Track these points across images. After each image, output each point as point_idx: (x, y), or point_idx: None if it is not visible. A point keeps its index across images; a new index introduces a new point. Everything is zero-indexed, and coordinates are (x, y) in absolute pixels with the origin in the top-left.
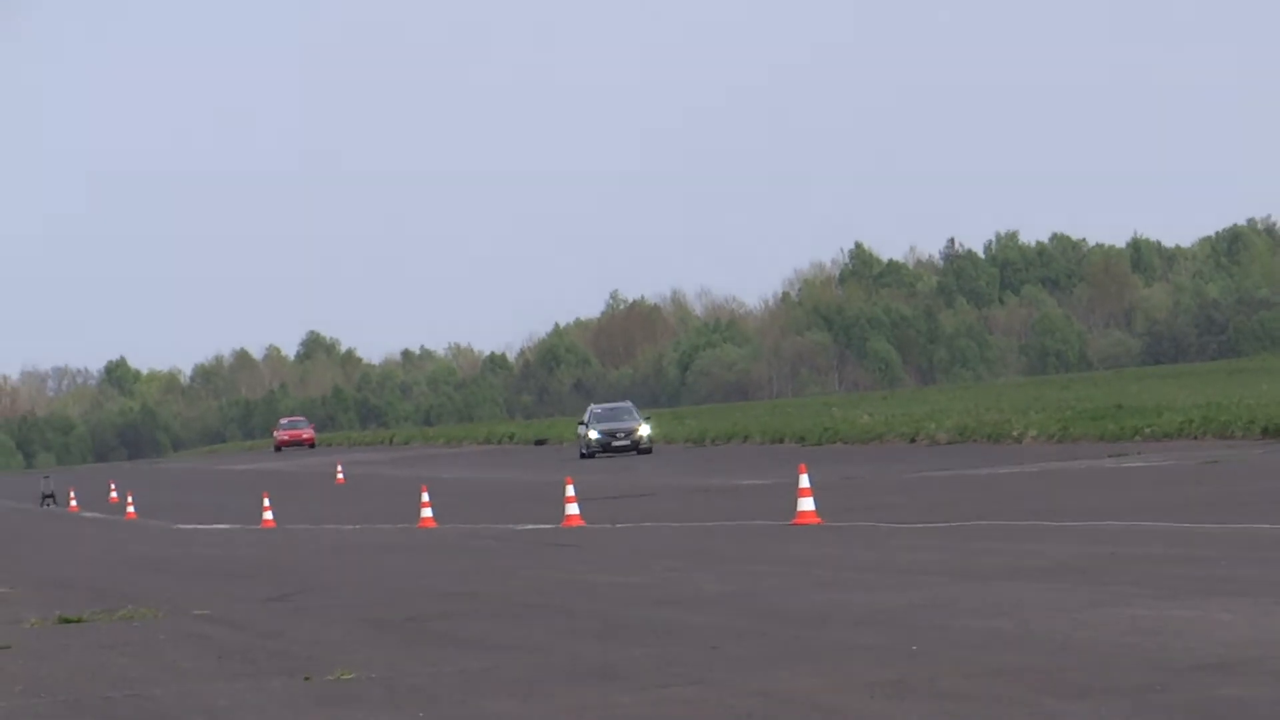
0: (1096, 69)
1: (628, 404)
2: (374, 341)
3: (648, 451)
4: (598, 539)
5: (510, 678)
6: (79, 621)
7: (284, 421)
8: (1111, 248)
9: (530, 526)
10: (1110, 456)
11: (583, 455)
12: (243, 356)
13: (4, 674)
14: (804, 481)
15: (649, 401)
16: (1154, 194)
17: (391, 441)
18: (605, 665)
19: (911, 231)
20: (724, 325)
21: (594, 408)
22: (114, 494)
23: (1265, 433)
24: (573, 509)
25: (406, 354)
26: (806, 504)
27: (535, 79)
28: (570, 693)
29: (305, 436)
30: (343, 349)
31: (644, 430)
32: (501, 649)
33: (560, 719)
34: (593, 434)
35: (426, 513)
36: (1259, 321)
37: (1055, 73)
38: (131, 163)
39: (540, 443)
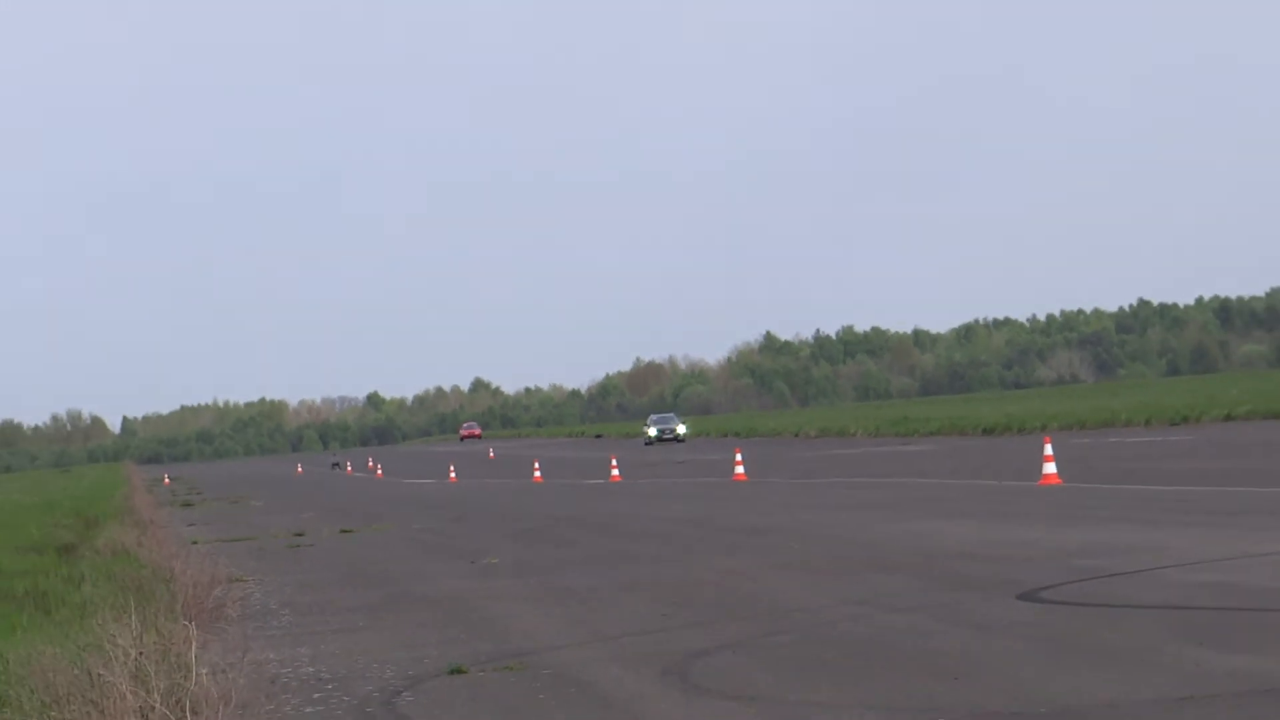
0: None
1: (672, 414)
2: (510, 379)
3: (682, 441)
4: (630, 489)
5: (578, 561)
6: (350, 531)
7: (465, 424)
8: (903, 334)
9: (594, 481)
10: (901, 443)
11: (646, 444)
12: (439, 391)
13: (312, 557)
14: (739, 459)
15: None
16: (919, 293)
17: (520, 436)
18: (629, 553)
19: (797, 323)
20: (696, 374)
21: (653, 415)
22: (371, 463)
23: (985, 432)
24: (615, 471)
25: (527, 389)
26: (740, 470)
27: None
28: (610, 569)
29: (476, 433)
30: (492, 384)
31: (681, 429)
32: (576, 546)
33: (601, 582)
34: (651, 431)
35: (537, 473)
36: (983, 376)
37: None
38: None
39: (598, 436)
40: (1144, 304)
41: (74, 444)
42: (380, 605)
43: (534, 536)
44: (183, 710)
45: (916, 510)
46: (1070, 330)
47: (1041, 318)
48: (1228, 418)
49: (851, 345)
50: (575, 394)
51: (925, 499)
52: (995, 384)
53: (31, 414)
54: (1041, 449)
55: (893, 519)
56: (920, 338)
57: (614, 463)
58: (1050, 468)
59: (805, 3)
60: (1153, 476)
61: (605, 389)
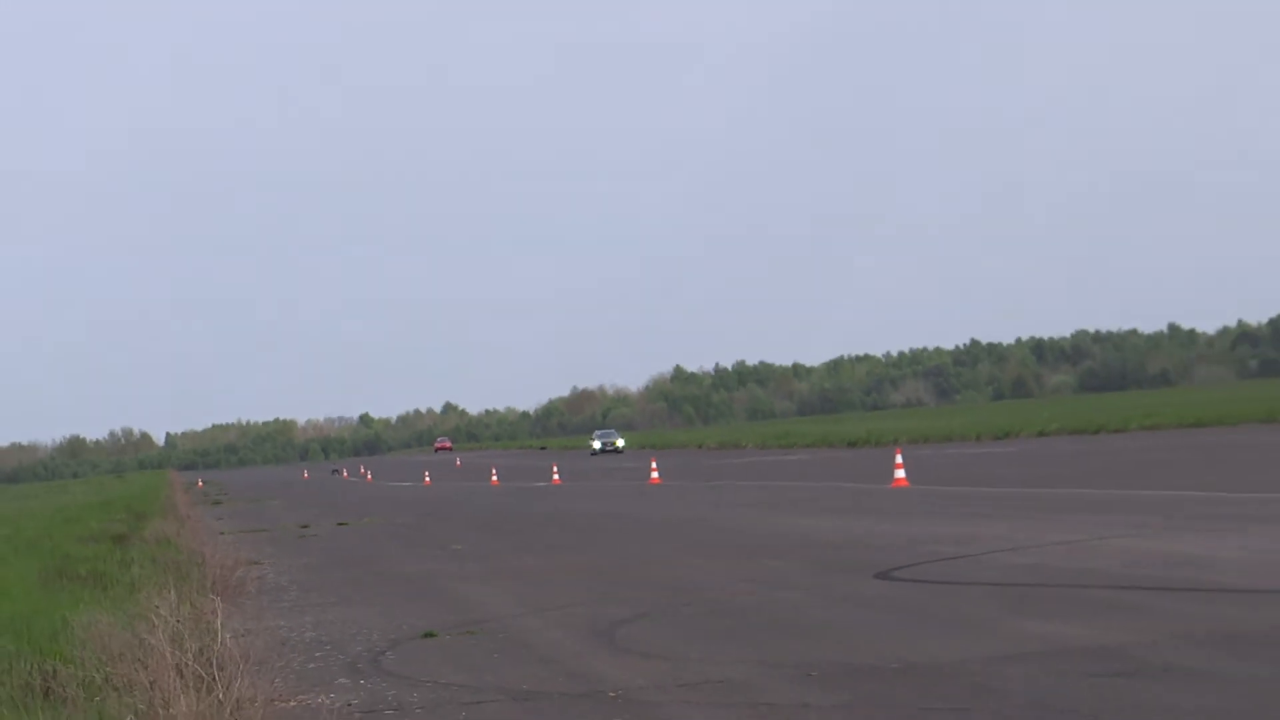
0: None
1: (613, 430)
2: (474, 402)
3: (621, 452)
4: (568, 490)
5: (526, 547)
6: (345, 525)
7: (438, 439)
8: (784, 366)
9: (539, 484)
10: (783, 453)
11: (592, 454)
12: (417, 412)
13: (315, 545)
14: (654, 466)
15: None
16: (797, 333)
17: (482, 448)
18: (566, 542)
19: (701, 357)
20: (621, 399)
21: (597, 431)
22: (363, 470)
23: (850, 444)
24: (556, 476)
25: (487, 410)
26: (655, 475)
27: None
28: (552, 554)
29: (448, 445)
30: (459, 407)
31: (620, 442)
32: (524, 535)
33: (545, 564)
34: (596, 444)
35: (494, 477)
36: (847, 400)
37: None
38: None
39: (543, 448)
40: (975, 343)
41: (127, 455)
42: (368, 583)
43: (491, 528)
44: (211, 667)
45: (795, 507)
46: (917, 364)
47: (894, 354)
48: (1040, 434)
49: (743, 375)
50: (525, 414)
51: (802, 498)
52: (857, 406)
53: (93, 430)
54: (893, 458)
55: (776, 514)
56: (798, 369)
57: (555, 469)
58: (900, 473)
59: (726, 61)
60: (981, 480)
61: (549, 410)
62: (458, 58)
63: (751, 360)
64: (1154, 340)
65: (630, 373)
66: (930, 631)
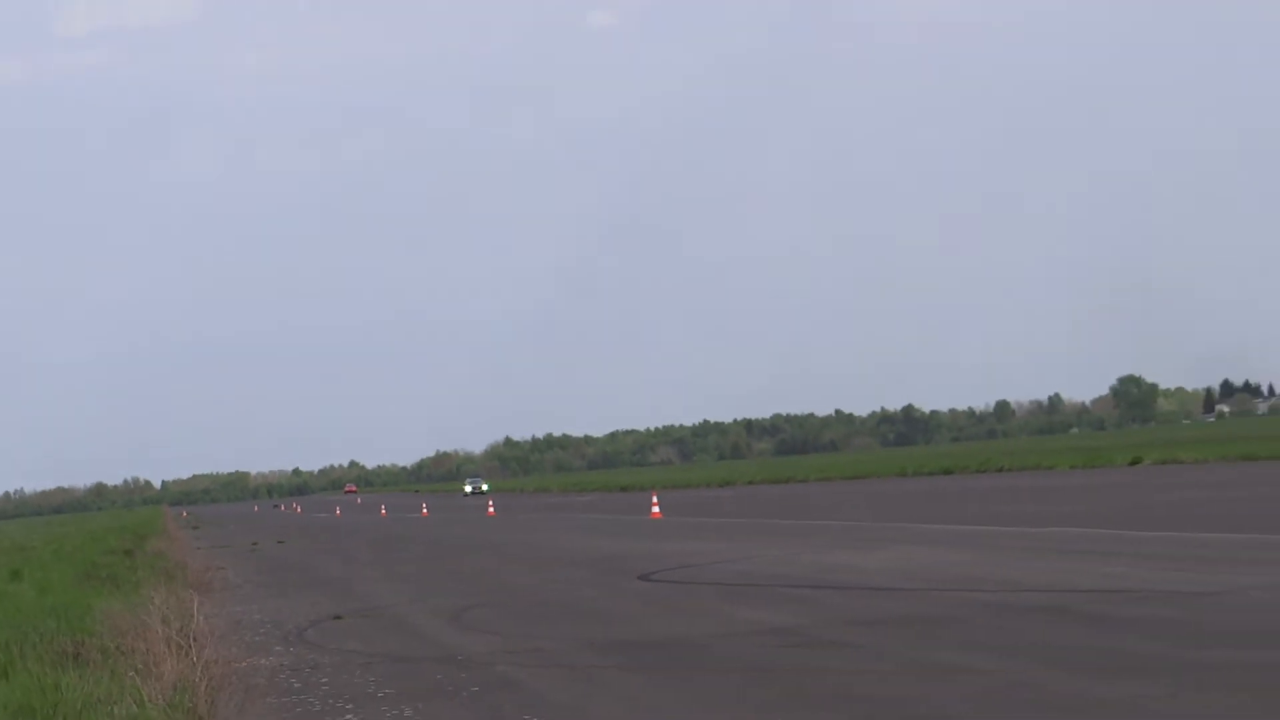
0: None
1: (480, 476)
2: (370, 458)
3: (486, 494)
4: (432, 520)
5: (405, 559)
6: (283, 543)
7: (347, 485)
8: (578, 436)
9: (413, 515)
10: (578, 495)
11: (464, 495)
12: (332, 465)
13: (261, 556)
14: (490, 507)
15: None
16: (586, 411)
17: (376, 490)
18: (431, 554)
19: (524, 429)
20: (468, 459)
21: (469, 477)
22: (295, 506)
23: (622, 488)
24: (424, 510)
25: (379, 465)
26: (491, 509)
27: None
28: (424, 563)
29: (353, 489)
30: (360, 462)
31: (485, 486)
32: (404, 550)
33: (418, 570)
34: (468, 487)
35: (383, 510)
36: (620, 459)
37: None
38: None
39: (417, 491)
40: (705, 421)
41: (135, 495)
42: (297, 583)
43: (381, 546)
44: (188, 639)
45: (586, 532)
46: (667, 435)
47: (652, 428)
48: (750, 482)
49: (551, 443)
50: (404, 468)
51: (591, 526)
52: (627, 463)
53: (113, 478)
54: (651, 499)
55: (572, 536)
56: (587, 439)
57: (424, 506)
58: (656, 508)
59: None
60: (711, 513)
61: (420, 465)
62: None
63: (556, 432)
64: (825, 420)
65: (476, 439)
66: (674, 616)
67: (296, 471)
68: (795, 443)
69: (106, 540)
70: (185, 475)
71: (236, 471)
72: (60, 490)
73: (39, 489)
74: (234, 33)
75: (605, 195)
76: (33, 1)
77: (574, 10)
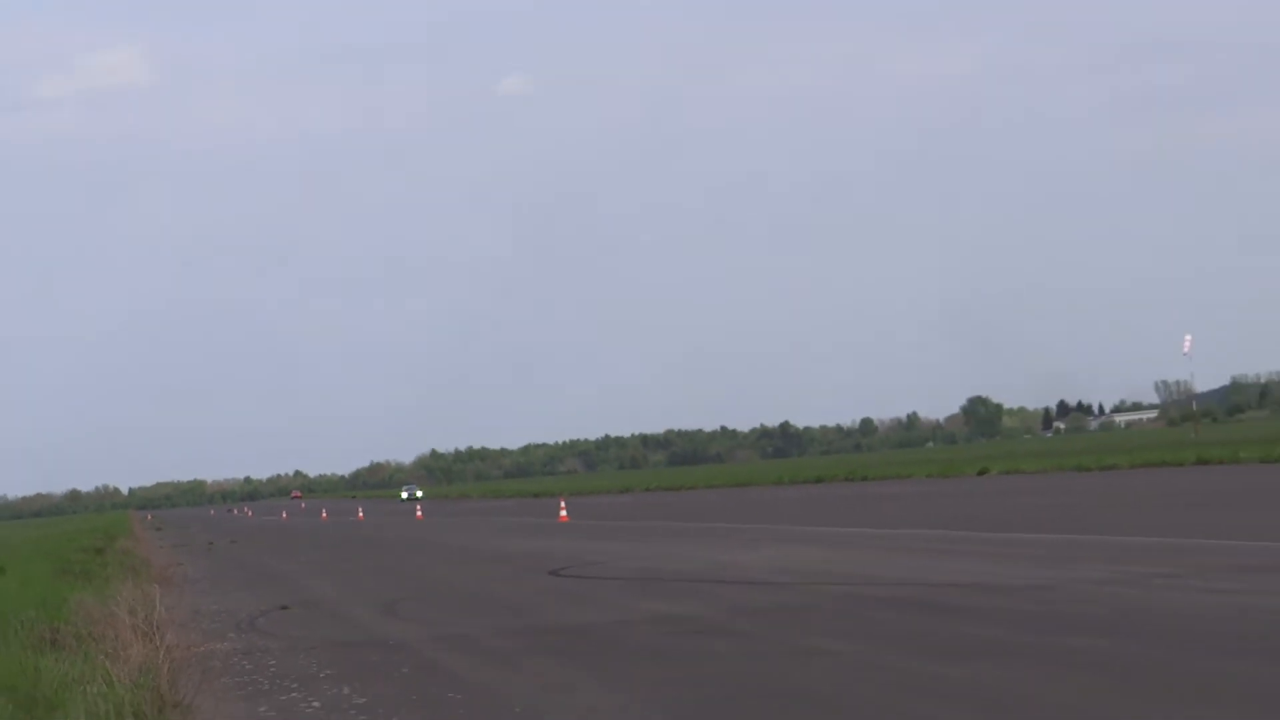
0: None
1: (414, 484)
2: (313, 468)
3: (420, 500)
4: (368, 523)
5: (343, 556)
6: (236, 542)
7: (294, 491)
8: (496, 449)
9: (350, 519)
10: (496, 500)
11: (401, 501)
12: (279, 475)
13: (215, 554)
14: (419, 511)
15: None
16: (508, 425)
17: (319, 497)
18: (366, 552)
19: (450, 442)
20: (399, 469)
21: (405, 484)
22: (247, 510)
23: (534, 495)
24: (360, 514)
25: (320, 474)
26: (420, 513)
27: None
28: (359, 560)
29: (299, 495)
30: (304, 471)
31: (420, 493)
32: (341, 549)
33: (355, 566)
34: (404, 494)
35: (324, 514)
36: (534, 469)
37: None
38: None
39: (354, 497)
40: (607, 436)
41: (105, 500)
42: (248, 578)
43: (322, 546)
44: (152, 626)
45: (503, 534)
46: (574, 448)
47: (560, 441)
48: (646, 489)
49: (472, 455)
50: (342, 477)
51: (507, 528)
52: (539, 473)
53: (85, 485)
54: (559, 504)
55: (493, 539)
56: (504, 451)
57: (360, 510)
58: (564, 512)
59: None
60: (612, 517)
61: (357, 475)
62: None
63: (476, 445)
64: (711, 435)
65: (407, 450)
66: (580, 606)
67: (248, 479)
68: (685, 455)
69: (80, 540)
70: (150, 483)
71: (195, 479)
72: (40, 496)
73: (20, 495)
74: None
75: (519, 236)
76: None
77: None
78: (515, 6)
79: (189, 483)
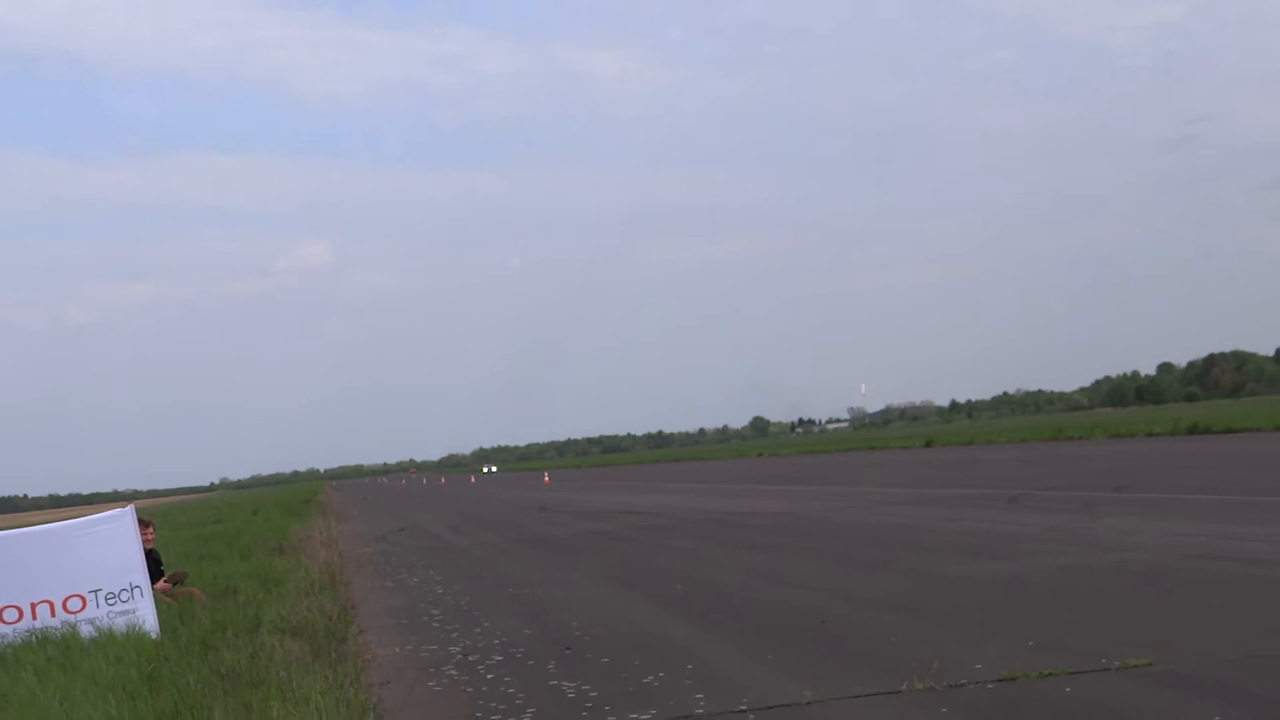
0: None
1: (493, 465)
2: (246, 472)
3: (496, 474)
4: (448, 485)
5: (435, 501)
6: (379, 496)
7: (411, 470)
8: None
9: (435, 486)
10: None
11: (484, 474)
12: (404, 462)
13: (366, 503)
14: (472, 478)
15: None
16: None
17: (426, 472)
18: (443, 500)
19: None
20: (466, 457)
21: (486, 465)
22: (402, 480)
23: (577, 468)
24: (442, 480)
25: (251, 475)
26: (472, 479)
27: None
28: (444, 502)
29: (415, 472)
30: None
31: (495, 469)
32: (438, 498)
33: (430, 506)
34: (485, 469)
35: (440, 480)
36: (458, 469)
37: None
38: None
39: (491, 470)
40: (499, 447)
41: (309, 476)
42: (382, 514)
43: (425, 497)
44: (331, 541)
45: (515, 489)
46: (499, 460)
47: (485, 449)
48: (592, 466)
49: (350, 470)
50: (431, 461)
51: (517, 486)
52: (537, 460)
53: (302, 465)
54: (544, 475)
55: (507, 491)
56: (513, 448)
57: (441, 479)
58: (546, 478)
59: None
60: (572, 480)
61: (445, 460)
62: None
63: (503, 443)
64: (554, 446)
65: (469, 446)
66: (552, 526)
67: (384, 464)
68: (613, 448)
69: (296, 496)
70: (335, 465)
71: (357, 464)
72: (277, 474)
73: (269, 472)
74: None
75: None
76: None
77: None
78: None
79: (353, 466)
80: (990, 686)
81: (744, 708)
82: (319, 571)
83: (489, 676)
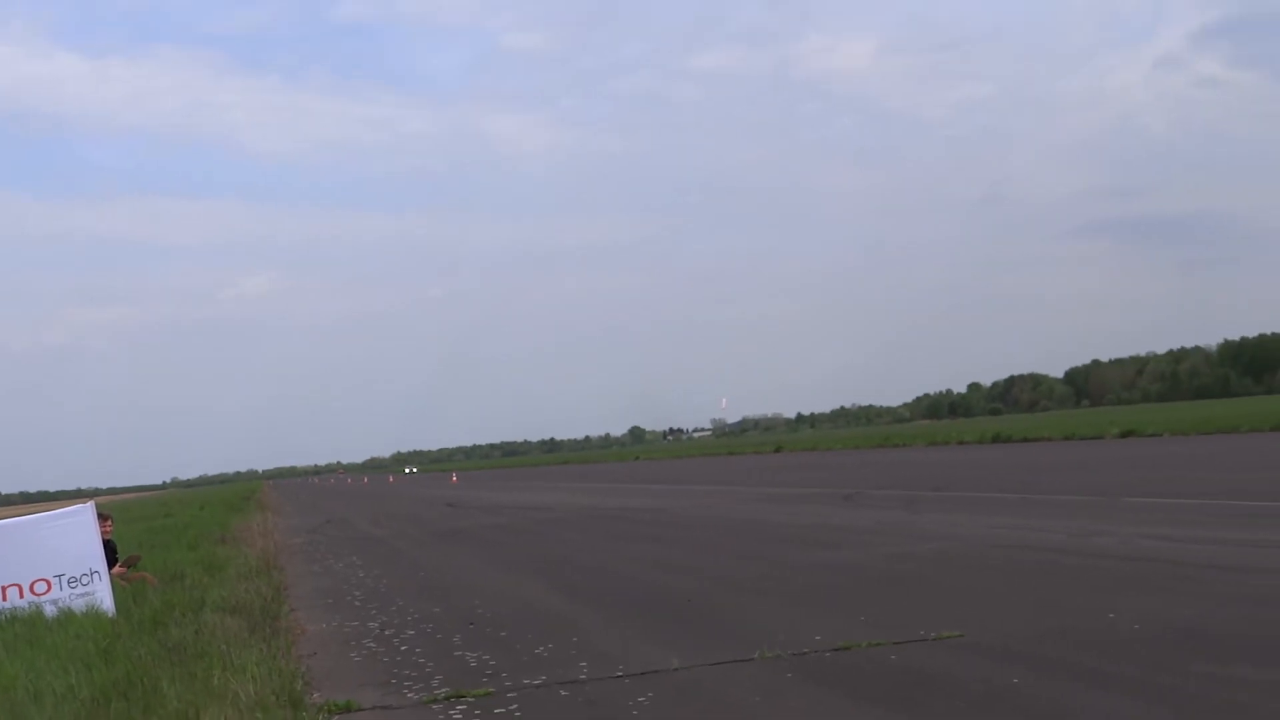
0: None
1: (413, 466)
2: (189, 473)
3: (415, 474)
4: (370, 485)
5: (355, 499)
6: (310, 494)
7: (339, 471)
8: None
9: (364, 485)
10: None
11: (405, 474)
12: (331, 464)
13: (299, 500)
14: (390, 478)
15: None
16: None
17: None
18: (364, 498)
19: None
20: (385, 459)
21: (408, 466)
22: (330, 479)
23: (480, 469)
24: (365, 480)
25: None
26: (391, 479)
27: None
28: (365, 500)
29: (342, 473)
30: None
31: (415, 469)
32: (359, 496)
33: (352, 503)
34: (407, 470)
35: (359, 480)
36: (382, 471)
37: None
38: None
39: (412, 471)
40: (415, 450)
41: (249, 477)
42: (311, 510)
43: (350, 495)
44: (267, 532)
45: (426, 488)
46: (415, 463)
47: (403, 452)
48: (493, 469)
49: (285, 471)
50: (357, 463)
51: (427, 485)
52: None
53: (241, 467)
54: (452, 475)
55: (421, 490)
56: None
57: (364, 479)
58: (454, 478)
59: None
60: (478, 481)
61: (370, 462)
62: None
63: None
64: (463, 450)
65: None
66: (458, 520)
67: (314, 465)
68: (512, 452)
69: (238, 494)
70: (272, 466)
71: (291, 465)
72: (222, 474)
73: (215, 472)
74: None
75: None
76: None
77: None
78: None
79: (288, 467)
80: (828, 654)
81: (620, 674)
82: (256, 559)
83: (403, 648)
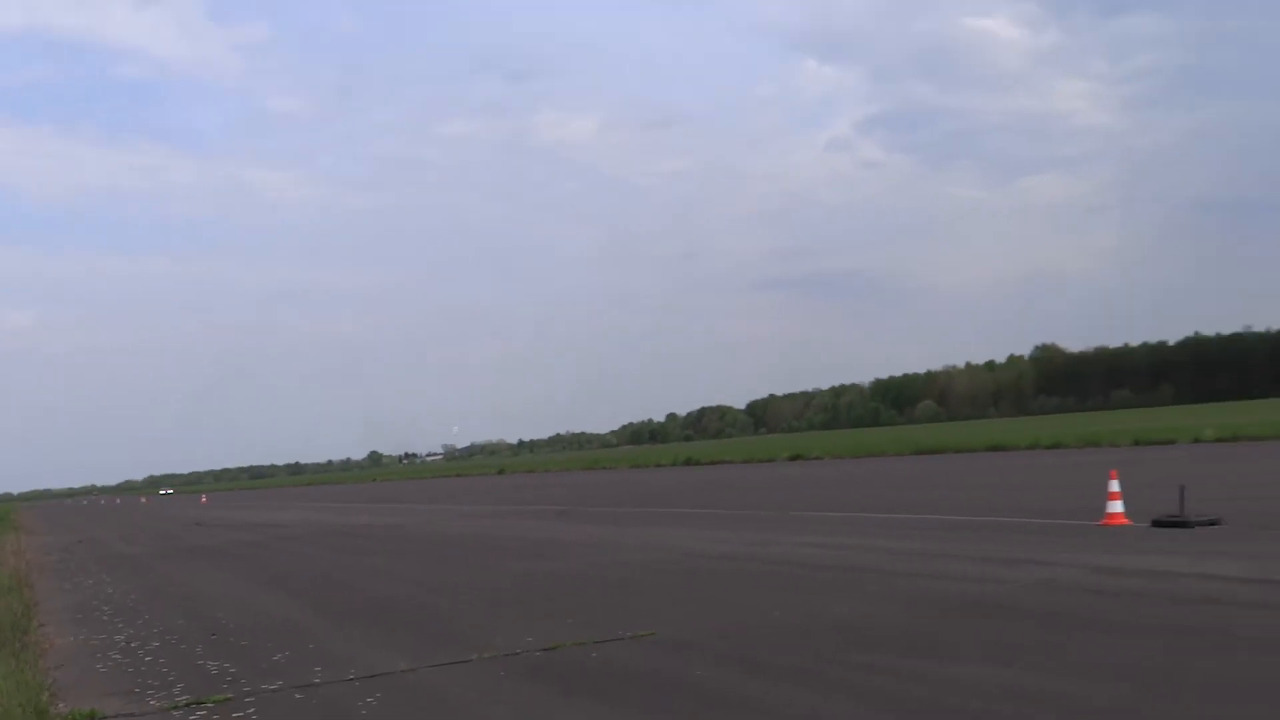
0: None
1: (169, 488)
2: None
3: (171, 496)
4: (125, 506)
5: (113, 520)
6: (68, 516)
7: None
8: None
9: (125, 505)
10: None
11: (159, 496)
12: (156, 479)
13: (54, 521)
14: (144, 499)
15: None
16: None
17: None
18: (121, 519)
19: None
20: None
21: (163, 488)
22: (85, 500)
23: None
24: (118, 501)
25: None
26: (144, 499)
27: None
28: (120, 520)
29: (98, 496)
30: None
31: (171, 491)
32: (120, 516)
33: (108, 523)
34: (162, 492)
35: (116, 501)
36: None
37: None
38: None
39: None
40: (166, 474)
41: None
42: (65, 530)
43: (105, 515)
44: (19, 551)
45: (184, 509)
46: (168, 485)
47: (156, 475)
48: (249, 488)
49: (40, 493)
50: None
51: (186, 506)
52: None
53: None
54: (202, 496)
55: (180, 511)
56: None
57: (118, 500)
58: (204, 499)
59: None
60: (236, 501)
61: (152, 483)
62: None
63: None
64: (212, 473)
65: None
66: (209, 537)
67: (69, 488)
68: (259, 475)
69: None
70: (28, 489)
71: (49, 488)
72: None
73: None
74: None
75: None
76: None
77: None
78: None
79: (43, 490)
80: (538, 654)
81: (352, 676)
82: (7, 576)
83: (147, 659)
